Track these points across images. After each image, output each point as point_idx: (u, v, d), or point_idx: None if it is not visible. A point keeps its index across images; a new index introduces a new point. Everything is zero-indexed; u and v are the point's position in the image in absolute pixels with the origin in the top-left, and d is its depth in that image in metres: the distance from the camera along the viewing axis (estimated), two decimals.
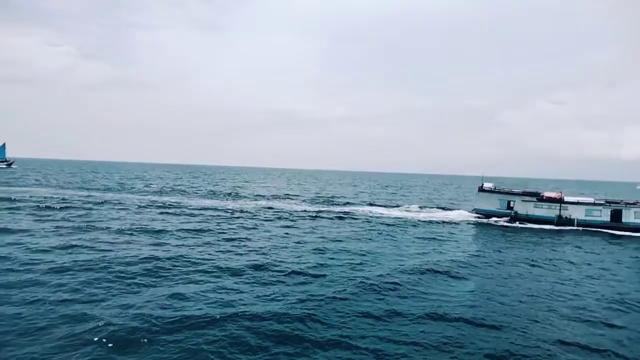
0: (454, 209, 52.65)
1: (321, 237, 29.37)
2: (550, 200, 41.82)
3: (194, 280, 17.19)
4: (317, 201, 60.17)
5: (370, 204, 57.40)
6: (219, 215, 39.06)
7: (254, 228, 32.57)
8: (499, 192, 44.68)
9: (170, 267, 18.95)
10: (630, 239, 35.16)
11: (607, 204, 40.69)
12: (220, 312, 13.67)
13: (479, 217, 44.73)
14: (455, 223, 41.25)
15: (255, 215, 40.26)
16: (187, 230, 29.38)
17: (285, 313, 13.72)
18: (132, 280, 16.59)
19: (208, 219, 36.14)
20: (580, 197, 45.18)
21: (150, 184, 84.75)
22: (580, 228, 39.41)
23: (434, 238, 31.33)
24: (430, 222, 41.23)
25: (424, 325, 13.56)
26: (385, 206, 55.40)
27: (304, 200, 60.39)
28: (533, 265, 23.07)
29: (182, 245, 24.43)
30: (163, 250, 22.43)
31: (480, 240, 32.32)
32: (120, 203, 45.09)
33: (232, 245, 25.07)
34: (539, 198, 42.40)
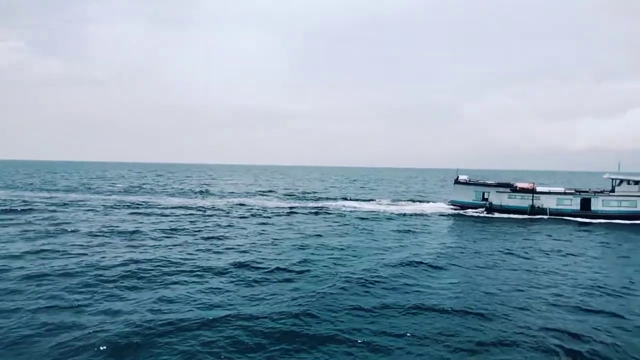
0: (428, 202, 53.75)
1: (299, 233, 29.35)
2: (523, 190, 43.12)
3: (179, 282, 16.85)
4: (289, 197, 60.06)
5: (344, 199, 57.84)
6: (192, 214, 38.38)
7: (230, 226, 32.19)
8: (475, 184, 45.75)
9: (151, 269, 18.49)
10: (598, 226, 36.86)
11: (577, 193, 42.44)
12: (211, 313, 13.49)
13: (455, 209, 45.78)
14: (431, 215, 42.15)
15: (228, 213, 39.79)
16: (162, 230, 28.72)
17: (278, 311, 13.65)
18: (114, 285, 16.09)
19: (181, 218, 35.47)
20: (552, 187, 46.35)
21: (114, 183, 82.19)
22: (551, 217, 40.93)
23: (412, 230, 31.92)
24: (406, 215, 41.92)
25: (414, 317, 13.80)
26: (357, 200, 55.97)
27: (276, 197, 60.11)
28: (510, 254, 23.91)
29: (159, 245, 23.87)
30: (140, 252, 21.85)
31: (458, 232, 33.28)
32: (85, 204, 43.56)
33: (211, 244, 24.70)
34: (513, 189, 43.66)
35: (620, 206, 40.35)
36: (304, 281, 17.48)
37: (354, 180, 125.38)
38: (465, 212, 44.00)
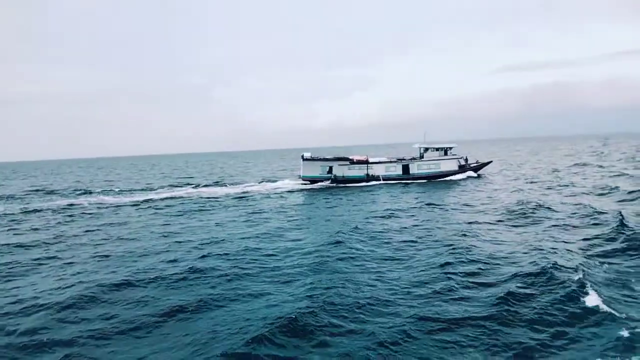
0: (276, 180, 56.04)
1: (163, 231, 25.95)
2: (360, 162, 49.95)
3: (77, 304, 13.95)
4: (116, 193, 51.75)
5: (188, 185, 55.48)
6: None
7: (61, 233, 26.53)
8: (320, 160, 50.59)
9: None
10: (416, 185, 46.91)
11: (398, 161, 51.32)
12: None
13: (305, 183, 49.64)
14: (290, 191, 45.07)
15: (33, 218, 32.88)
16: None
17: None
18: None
19: None
20: (381, 157, 54.55)
21: None
22: (383, 182, 49.02)
23: (286, 208, 33.66)
24: (270, 194, 43.40)
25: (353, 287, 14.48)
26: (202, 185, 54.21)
27: (97, 192, 51.66)
28: (384, 217, 27.38)
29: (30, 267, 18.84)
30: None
31: (327, 204, 35.90)
32: None
33: (68, 258, 20.45)
34: (351, 162, 49.91)
35: (429, 169, 50.86)
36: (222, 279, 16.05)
37: (142, 170, 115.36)
38: (315, 185, 48.52)
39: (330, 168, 49.65)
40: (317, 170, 49.85)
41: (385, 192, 40.95)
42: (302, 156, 50.39)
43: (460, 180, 48.60)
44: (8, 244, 23.74)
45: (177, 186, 55.28)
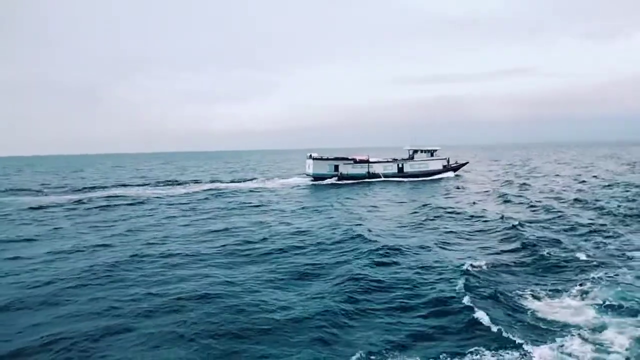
0: (286, 178, 61.78)
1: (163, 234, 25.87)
2: (362, 162, 56.81)
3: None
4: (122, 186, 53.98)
5: (212, 181, 60.16)
6: None
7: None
8: (328, 159, 56.97)
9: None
10: (408, 182, 55.09)
11: (394, 161, 58.80)
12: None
13: (313, 180, 55.73)
14: (306, 186, 51.75)
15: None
16: None
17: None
18: None
19: None
20: (379, 158, 62.33)
21: None
22: (382, 179, 56.03)
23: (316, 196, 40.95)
24: (293, 187, 49.81)
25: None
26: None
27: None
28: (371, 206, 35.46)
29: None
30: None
31: (338, 195, 42.88)
32: None
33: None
34: (355, 161, 56.65)
35: (420, 168, 58.78)
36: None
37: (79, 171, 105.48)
38: (324, 181, 54.48)
39: (336, 166, 55.83)
40: (325, 168, 56.03)
41: (389, 187, 48.75)
42: (310, 156, 56.71)
43: (447, 179, 57.39)
44: None
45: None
